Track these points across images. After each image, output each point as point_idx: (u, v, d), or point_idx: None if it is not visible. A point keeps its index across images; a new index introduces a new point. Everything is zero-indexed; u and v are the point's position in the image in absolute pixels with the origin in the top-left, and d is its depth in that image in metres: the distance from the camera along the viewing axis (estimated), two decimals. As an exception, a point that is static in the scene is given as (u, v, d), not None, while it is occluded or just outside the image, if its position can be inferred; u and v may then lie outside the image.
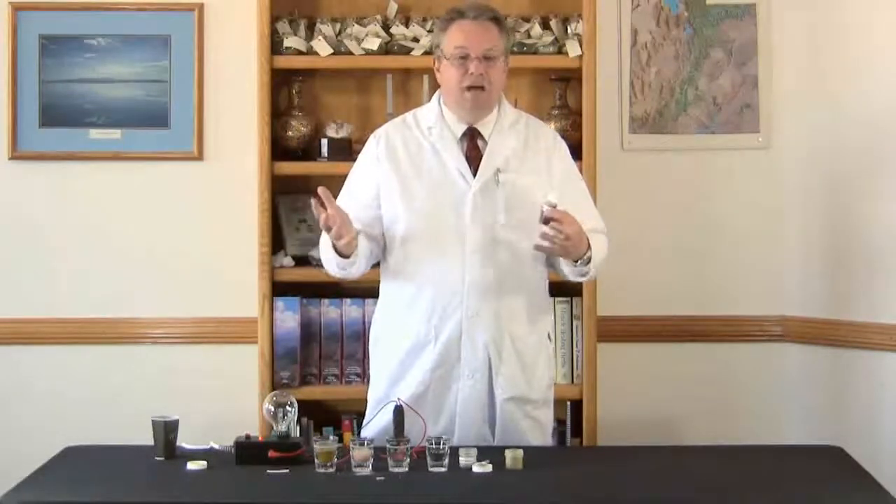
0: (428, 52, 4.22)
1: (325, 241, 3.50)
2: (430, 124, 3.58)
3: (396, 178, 3.54)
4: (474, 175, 3.52)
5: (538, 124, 3.70)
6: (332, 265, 3.53)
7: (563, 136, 4.10)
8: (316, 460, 3.20)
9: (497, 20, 3.55)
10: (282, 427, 3.31)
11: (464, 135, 3.56)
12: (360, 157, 3.66)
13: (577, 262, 3.45)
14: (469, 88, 3.48)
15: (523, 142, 3.58)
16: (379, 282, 3.66)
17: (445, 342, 3.50)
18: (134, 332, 4.42)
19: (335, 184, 4.33)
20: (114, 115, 4.40)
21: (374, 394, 3.61)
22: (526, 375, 3.55)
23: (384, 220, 3.54)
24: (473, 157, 3.54)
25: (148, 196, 4.43)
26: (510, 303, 3.52)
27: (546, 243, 3.35)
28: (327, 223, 3.34)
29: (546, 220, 3.33)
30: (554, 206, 3.33)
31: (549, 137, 3.65)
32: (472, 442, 3.45)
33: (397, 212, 3.53)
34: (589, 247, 3.43)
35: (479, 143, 3.56)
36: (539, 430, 3.59)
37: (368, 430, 3.52)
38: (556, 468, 3.27)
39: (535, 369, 3.57)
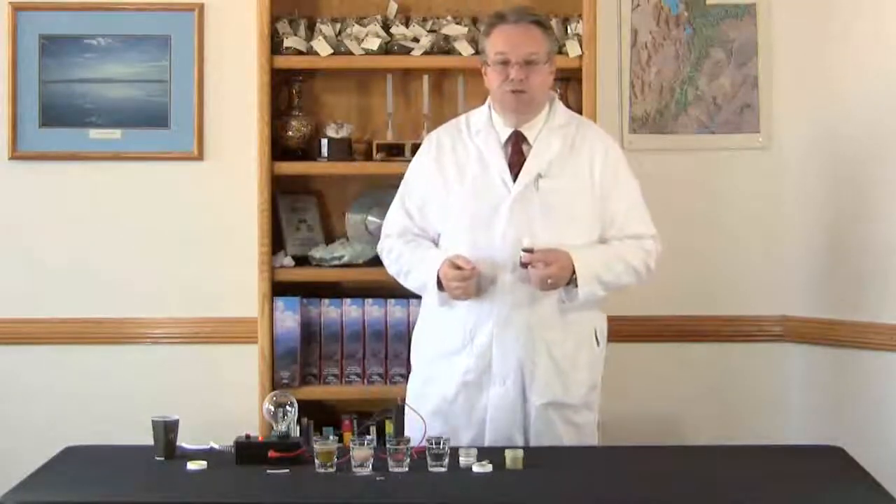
0: (428, 52, 4.23)
1: (419, 262, 3.55)
2: (479, 128, 3.60)
3: (441, 181, 3.57)
4: (515, 180, 3.52)
5: (589, 127, 3.69)
6: (418, 286, 3.58)
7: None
8: (316, 460, 3.20)
9: (539, 23, 3.55)
10: (282, 427, 3.31)
11: (508, 139, 3.56)
12: (414, 159, 3.70)
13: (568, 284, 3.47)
14: (509, 91, 3.49)
15: (569, 145, 3.57)
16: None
17: (479, 348, 3.52)
18: (134, 332, 4.42)
19: (335, 184, 4.36)
20: (114, 115, 4.40)
21: (410, 391, 3.64)
22: (562, 380, 3.54)
23: (429, 221, 3.58)
24: (516, 162, 3.54)
25: (148, 196, 4.43)
26: (543, 309, 3.51)
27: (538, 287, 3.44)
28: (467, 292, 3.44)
29: (524, 266, 3.44)
30: (530, 251, 3.40)
31: (595, 140, 3.62)
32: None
33: (441, 215, 3.56)
34: (573, 273, 3.44)
35: (524, 146, 3.56)
36: (578, 434, 3.59)
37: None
38: (556, 468, 3.27)
39: (573, 373, 3.55)
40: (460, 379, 3.53)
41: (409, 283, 3.63)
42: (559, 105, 3.63)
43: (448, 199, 3.55)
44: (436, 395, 3.54)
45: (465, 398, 3.53)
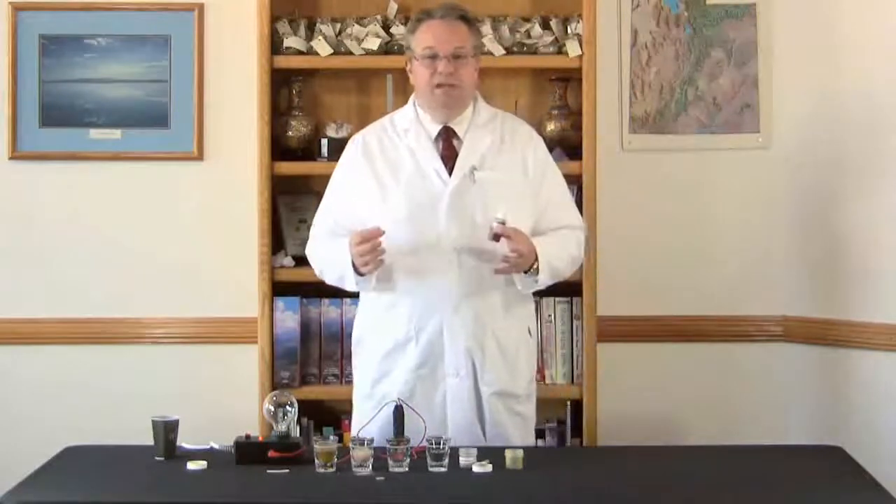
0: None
1: (332, 253, 3.55)
2: (406, 126, 3.62)
3: (374, 180, 3.58)
4: (450, 174, 3.54)
5: (514, 121, 3.73)
6: (337, 278, 3.58)
7: (562, 136, 4.12)
8: (316, 460, 3.20)
9: (465, 19, 3.58)
10: (282, 427, 3.32)
11: (438, 134, 3.59)
12: (340, 161, 3.71)
13: (526, 272, 3.49)
14: (439, 86, 3.51)
15: (499, 138, 3.61)
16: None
17: (427, 341, 3.53)
18: (134, 332, 4.42)
19: (335, 184, 4.34)
20: (114, 115, 4.40)
21: (358, 393, 3.65)
22: (509, 369, 3.57)
23: (364, 222, 3.54)
24: (449, 157, 3.57)
25: (148, 196, 4.43)
26: (490, 298, 3.54)
27: (504, 264, 3.44)
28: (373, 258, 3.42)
29: (496, 238, 3.42)
30: (503, 223, 3.41)
31: (524, 133, 3.68)
32: (465, 439, 3.47)
33: (375, 213, 3.54)
34: (536, 258, 3.47)
35: (455, 141, 3.59)
36: (523, 425, 3.62)
37: (358, 429, 3.52)
38: (556, 468, 3.27)
39: (517, 363, 3.59)
40: (412, 375, 3.54)
41: (329, 277, 3.62)
42: (482, 102, 3.66)
43: (383, 198, 3.54)
44: (390, 395, 3.50)
45: (421, 393, 3.53)
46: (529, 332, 3.66)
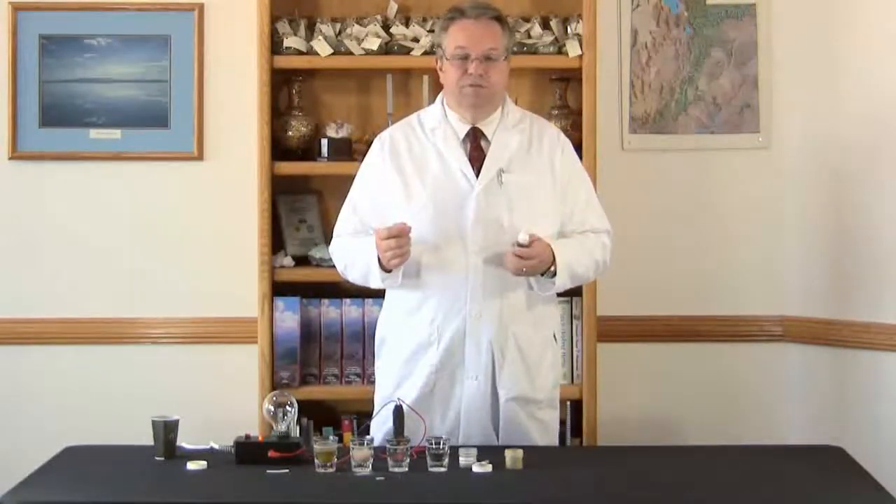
0: (428, 52, 4.22)
1: (357, 250, 3.53)
2: (434, 125, 3.58)
3: (400, 179, 3.55)
4: (477, 175, 3.52)
5: (543, 123, 3.70)
6: (361, 276, 3.55)
7: (562, 137, 4.11)
8: (316, 460, 3.20)
9: (499, 19, 3.55)
10: (282, 427, 3.32)
11: (467, 135, 3.56)
12: (366, 160, 3.67)
13: (542, 274, 3.47)
14: (469, 85, 3.49)
15: (527, 141, 3.58)
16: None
17: (449, 343, 3.51)
18: (134, 332, 4.43)
19: (335, 184, 4.36)
20: (114, 115, 4.40)
21: (380, 393, 3.63)
22: (530, 375, 3.55)
23: (389, 221, 3.52)
24: (476, 158, 3.54)
25: (148, 196, 4.43)
26: (513, 303, 3.52)
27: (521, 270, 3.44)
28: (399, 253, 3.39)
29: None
30: (526, 247, 3.39)
31: (552, 136, 3.64)
32: (478, 442, 3.46)
33: (401, 213, 3.51)
34: (553, 262, 3.45)
35: (483, 143, 3.56)
36: (544, 431, 3.59)
37: (376, 429, 3.53)
38: (556, 468, 3.27)
39: (540, 369, 3.57)
40: (433, 377, 3.52)
41: (354, 274, 3.59)
42: (511, 103, 3.64)
43: (409, 198, 3.52)
44: (410, 396, 3.49)
45: (439, 394, 3.52)
46: (555, 337, 3.64)
